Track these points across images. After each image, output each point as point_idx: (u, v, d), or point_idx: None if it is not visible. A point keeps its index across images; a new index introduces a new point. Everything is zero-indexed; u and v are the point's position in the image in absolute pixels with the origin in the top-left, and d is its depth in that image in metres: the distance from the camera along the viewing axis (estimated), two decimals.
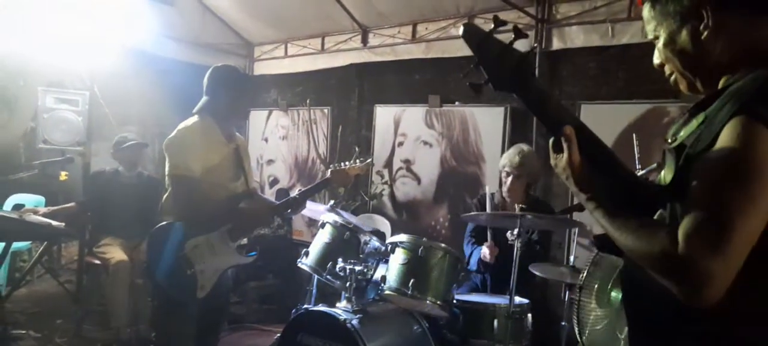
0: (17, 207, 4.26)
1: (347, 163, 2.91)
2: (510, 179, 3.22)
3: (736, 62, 1.07)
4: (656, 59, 1.20)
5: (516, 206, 3.18)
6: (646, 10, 1.18)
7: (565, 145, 1.16)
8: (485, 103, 4.36)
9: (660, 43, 1.16)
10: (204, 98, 2.70)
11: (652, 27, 1.18)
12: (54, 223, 3.34)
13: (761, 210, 0.92)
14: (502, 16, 3.94)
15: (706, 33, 1.08)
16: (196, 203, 2.55)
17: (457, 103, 4.59)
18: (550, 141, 1.22)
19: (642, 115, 3.60)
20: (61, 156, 4.54)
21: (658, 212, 1.15)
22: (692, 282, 0.91)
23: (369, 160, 3.62)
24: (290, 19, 5.32)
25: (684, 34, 1.11)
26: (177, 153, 2.57)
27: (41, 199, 4.64)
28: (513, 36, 1.19)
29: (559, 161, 1.19)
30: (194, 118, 2.67)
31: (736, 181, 0.92)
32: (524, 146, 3.31)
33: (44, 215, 3.68)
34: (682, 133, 1.08)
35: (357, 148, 3.24)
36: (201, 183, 2.55)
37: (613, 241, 1.10)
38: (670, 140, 1.10)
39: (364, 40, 5.03)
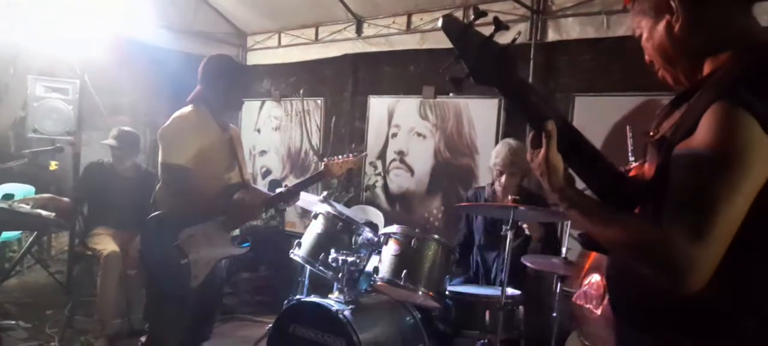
0: (7, 197, 4.22)
1: (341, 156, 2.90)
2: (503, 177, 3.21)
3: (717, 51, 1.06)
4: (647, 56, 1.20)
5: (508, 198, 3.18)
6: (630, 8, 1.19)
7: (544, 141, 1.15)
8: (479, 95, 4.35)
9: (643, 39, 1.17)
10: (198, 87, 2.68)
11: (635, 24, 1.18)
12: (44, 213, 3.31)
13: (743, 195, 0.91)
14: (498, 7, 3.96)
15: (677, 25, 1.07)
16: (188, 193, 2.54)
17: (451, 94, 4.57)
18: (530, 135, 1.21)
19: (637, 107, 3.60)
20: (51, 145, 4.49)
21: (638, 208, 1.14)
22: (675, 269, 0.91)
23: (363, 153, 3.62)
24: (284, 8, 5.28)
25: (660, 29, 1.11)
26: (171, 142, 2.55)
27: (31, 188, 4.59)
28: (493, 28, 1.17)
29: (536, 157, 1.18)
30: (189, 108, 2.65)
31: (717, 166, 0.91)
32: (512, 141, 3.29)
33: (37, 203, 3.64)
34: (664, 126, 1.07)
35: (353, 144, 3.24)
36: (194, 173, 2.53)
37: None
38: (652, 133, 1.10)
39: (359, 31, 5.00)
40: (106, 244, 3.77)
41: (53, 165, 4.75)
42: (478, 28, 1.19)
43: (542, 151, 1.15)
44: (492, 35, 1.17)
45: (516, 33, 1.29)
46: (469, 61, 1.18)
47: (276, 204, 2.88)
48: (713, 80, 1.00)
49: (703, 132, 0.94)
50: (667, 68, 1.15)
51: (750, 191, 0.91)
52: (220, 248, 2.63)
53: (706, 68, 1.08)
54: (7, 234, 4.34)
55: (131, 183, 4.01)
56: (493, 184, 3.37)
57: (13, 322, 3.79)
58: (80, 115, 4.87)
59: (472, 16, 1.18)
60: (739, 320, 0.98)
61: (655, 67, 1.19)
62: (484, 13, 1.18)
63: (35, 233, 3.97)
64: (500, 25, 1.17)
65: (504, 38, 1.19)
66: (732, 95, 0.92)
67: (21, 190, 4.54)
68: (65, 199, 3.86)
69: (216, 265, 2.65)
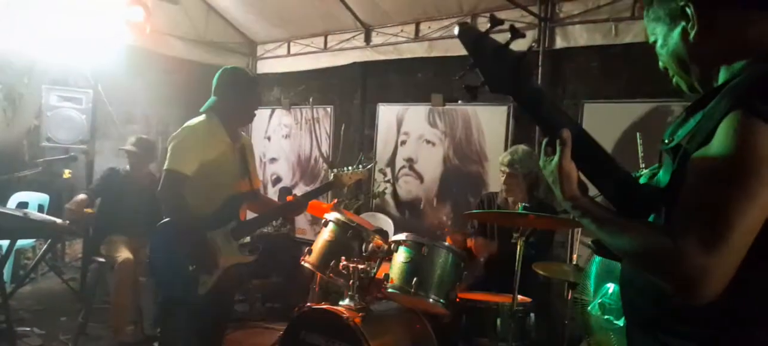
0: (21, 205, 4.28)
1: (350, 168, 2.93)
2: (504, 177, 3.26)
3: (732, 59, 1.06)
4: (661, 63, 1.20)
5: (518, 205, 3.18)
6: (645, 14, 1.18)
7: (558, 149, 1.14)
8: (488, 103, 4.36)
9: (657, 46, 1.17)
10: (212, 98, 2.72)
11: (650, 30, 1.18)
12: (58, 221, 3.35)
13: (758, 205, 0.91)
14: (505, 15, 3.97)
15: (693, 32, 1.07)
16: (182, 201, 2.56)
17: (459, 101, 4.59)
18: (543, 142, 1.20)
19: (645, 114, 3.60)
20: (65, 154, 4.55)
21: (652, 216, 1.14)
22: (688, 279, 0.91)
23: (372, 163, 3.66)
24: (293, 17, 5.32)
25: (675, 35, 1.11)
26: (175, 150, 2.60)
27: (45, 197, 4.65)
28: (509, 36, 1.16)
29: (548, 164, 1.18)
30: (201, 117, 2.70)
31: (732, 176, 0.91)
32: (521, 146, 3.33)
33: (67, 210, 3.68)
34: (679, 133, 1.07)
35: (362, 155, 3.28)
36: (192, 182, 2.56)
37: None
38: (666, 141, 1.09)
39: (367, 39, 5.03)
40: (120, 251, 3.80)
41: (67, 173, 4.81)
42: (493, 36, 1.18)
43: (555, 158, 1.15)
44: (508, 43, 1.16)
45: (532, 41, 1.28)
46: (485, 69, 1.17)
47: (285, 214, 2.91)
48: (729, 89, 1.00)
49: (720, 141, 0.93)
50: (682, 75, 1.15)
51: (766, 202, 0.91)
52: (229, 256, 2.65)
53: (722, 76, 1.08)
54: (22, 242, 4.39)
55: (145, 191, 4.04)
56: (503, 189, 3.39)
57: (28, 329, 3.83)
58: (93, 124, 4.94)
59: (489, 24, 1.18)
60: (751, 330, 0.98)
61: (670, 74, 1.19)
62: (501, 22, 1.17)
63: (49, 240, 4.01)
64: (517, 33, 1.15)
65: (519, 45, 1.19)
66: (749, 105, 0.92)
67: (35, 198, 4.60)
68: (82, 195, 3.90)
69: (225, 272, 2.67)
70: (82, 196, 3.89)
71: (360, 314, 2.63)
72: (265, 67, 6.04)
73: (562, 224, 3.27)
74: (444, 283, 2.65)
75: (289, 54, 5.75)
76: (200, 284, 2.56)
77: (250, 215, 2.91)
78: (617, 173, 1.17)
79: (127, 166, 4.11)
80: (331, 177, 2.95)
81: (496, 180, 3.93)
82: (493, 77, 1.17)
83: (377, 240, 2.89)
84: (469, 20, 4.26)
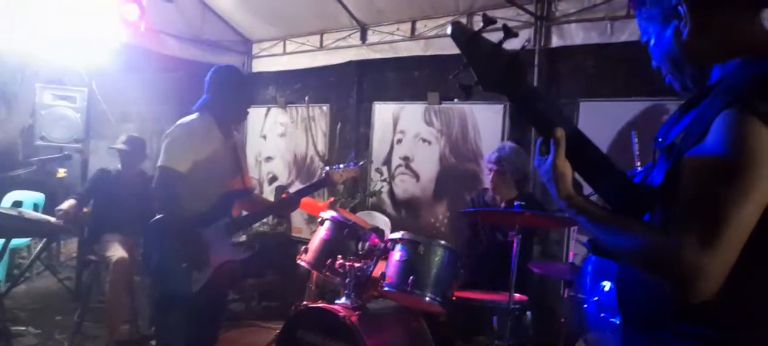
0: (16, 204, 4.26)
1: (343, 165, 2.94)
2: (491, 175, 3.27)
3: (725, 58, 1.06)
4: (654, 62, 1.20)
5: (512, 202, 3.19)
6: (637, 14, 1.19)
7: (552, 148, 1.15)
8: (484, 101, 4.36)
9: (650, 45, 1.17)
10: (205, 96, 2.73)
11: (643, 30, 1.18)
12: (53, 220, 3.34)
13: (754, 203, 0.91)
14: (501, 13, 3.98)
15: (686, 31, 1.08)
16: (177, 198, 2.56)
17: (455, 100, 4.59)
18: (538, 142, 1.21)
19: (641, 112, 3.61)
20: (59, 153, 4.53)
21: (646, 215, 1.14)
22: (685, 278, 0.92)
23: (363, 162, 3.69)
24: (289, 16, 5.31)
25: (668, 35, 1.11)
26: (169, 147, 2.61)
27: (40, 196, 4.64)
28: (502, 35, 1.17)
29: (543, 164, 1.18)
30: (194, 115, 2.71)
31: (728, 174, 0.92)
32: (508, 143, 3.36)
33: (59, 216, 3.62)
34: (673, 132, 1.07)
35: (354, 154, 3.30)
36: (187, 179, 2.56)
37: None
38: (660, 140, 1.10)
39: (363, 38, 5.02)
40: (114, 250, 3.79)
41: (61, 172, 4.79)
42: (486, 35, 1.19)
43: (550, 158, 1.15)
44: (501, 42, 1.17)
45: (525, 40, 1.29)
46: (478, 68, 1.17)
47: (279, 212, 2.92)
48: (723, 87, 1.00)
49: (714, 139, 0.94)
50: (675, 74, 1.15)
51: (761, 200, 0.92)
52: (221, 253, 2.65)
53: (715, 75, 1.08)
54: (17, 241, 4.37)
55: (138, 189, 4.02)
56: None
57: (23, 328, 3.82)
58: (88, 122, 4.92)
59: (482, 24, 1.18)
60: (749, 329, 0.99)
61: (663, 73, 1.19)
62: (493, 21, 1.18)
63: (44, 239, 4.00)
64: (509, 33, 1.16)
65: (512, 45, 1.20)
66: (743, 103, 0.92)
67: (30, 197, 4.58)
68: (71, 201, 3.86)
69: (218, 269, 2.66)
70: (71, 201, 3.81)
71: (356, 312, 2.64)
72: (260, 65, 6.02)
73: (557, 222, 3.28)
74: (440, 281, 2.66)
75: (284, 52, 5.74)
76: (193, 281, 2.56)
77: (244, 213, 2.91)
78: (612, 171, 1.17)
79: (119, 166, 4.09)
80: (324, 174, 2.96)
81: None
82: (486, 76, 1.18)
83: (374, 238, 2.89)
84: (465, 19, 4.26)
